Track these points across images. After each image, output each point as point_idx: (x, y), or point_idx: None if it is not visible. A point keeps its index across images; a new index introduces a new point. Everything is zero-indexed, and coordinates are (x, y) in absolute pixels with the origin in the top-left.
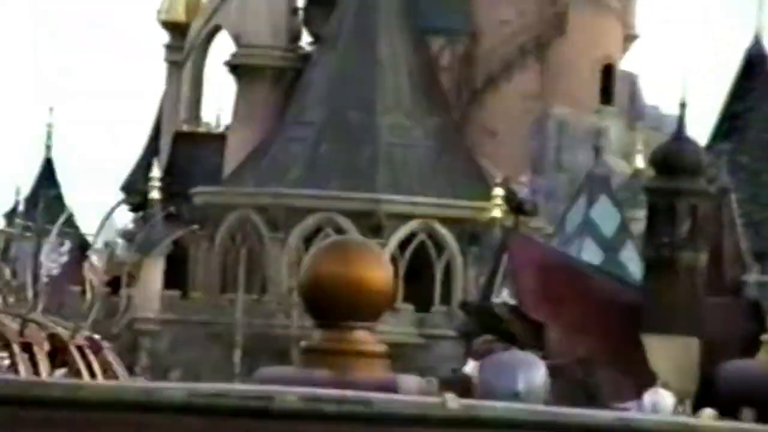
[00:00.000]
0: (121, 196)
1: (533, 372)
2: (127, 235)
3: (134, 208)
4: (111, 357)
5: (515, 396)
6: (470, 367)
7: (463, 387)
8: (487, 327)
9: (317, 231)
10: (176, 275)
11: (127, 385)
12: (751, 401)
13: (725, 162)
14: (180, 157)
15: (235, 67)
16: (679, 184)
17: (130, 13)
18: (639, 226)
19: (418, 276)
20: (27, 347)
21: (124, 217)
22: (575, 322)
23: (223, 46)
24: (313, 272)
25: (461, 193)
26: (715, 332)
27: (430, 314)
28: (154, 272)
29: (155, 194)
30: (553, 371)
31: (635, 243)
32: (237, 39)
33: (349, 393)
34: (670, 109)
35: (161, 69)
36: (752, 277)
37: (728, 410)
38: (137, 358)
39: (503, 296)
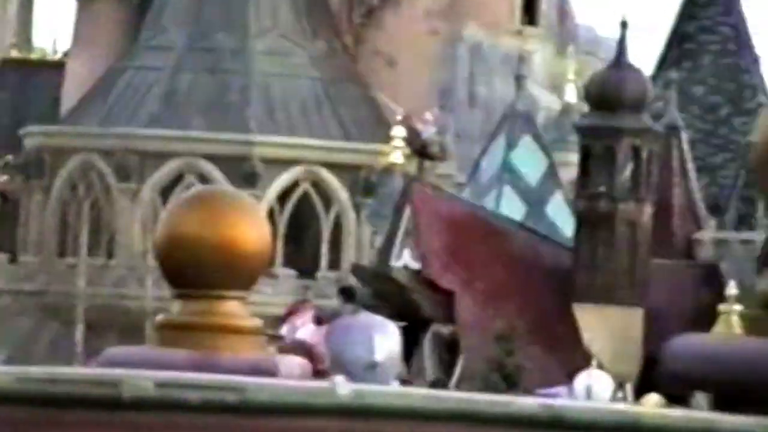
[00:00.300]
0: None
1: (390, 338)
2: None
3: None
4: None
5: (373, 366)
6: (308, 332)
7: (302, 357)
8: (386, 296)
9: (177, 180)
10: (3, 235)
11: None
12: (705, 384)
13: (675, 94)
14: (7, 90)
15: None
16: (619, 121)
17: None
18: (570, 172)
19: (301, 235)
20: None
21: None
22: (492, 290)
23: None
24: (172, 231)
25: (353, 133)
26: (662, 302)
27: (315, 281)
28: None
29: None
30: (465, 349)
31: (565, 193)
32: None
33: (216, 377)
34: (608, 30)
35: None
36: (707, 234)
37: (678, 395)
38: None
39: (404, 259)
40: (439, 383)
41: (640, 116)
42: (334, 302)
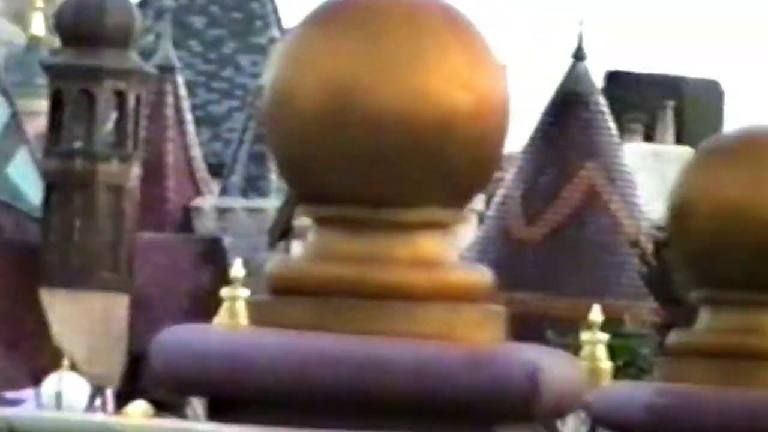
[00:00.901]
0: None
1: None
2: None
3: None
4: None
5: None
6: None
7: None
8: None
9: None
10: None
11: None
12: (201, 388)
13: (169, 26)
14: None
15: None
16: (99, 59)
17: None
18: (38, 124)
19: None
20: None
21: None
22: None
23: None
24: None
25: None
26: (152, 285)
27: None
28: None
29: None
30: None
31: (32, 150)
32: None
33: None
34: None
35: None
36: (208, 201)
37: (168, 402)
38: None
39: None
40: None
41: (125, 53)
42: None
